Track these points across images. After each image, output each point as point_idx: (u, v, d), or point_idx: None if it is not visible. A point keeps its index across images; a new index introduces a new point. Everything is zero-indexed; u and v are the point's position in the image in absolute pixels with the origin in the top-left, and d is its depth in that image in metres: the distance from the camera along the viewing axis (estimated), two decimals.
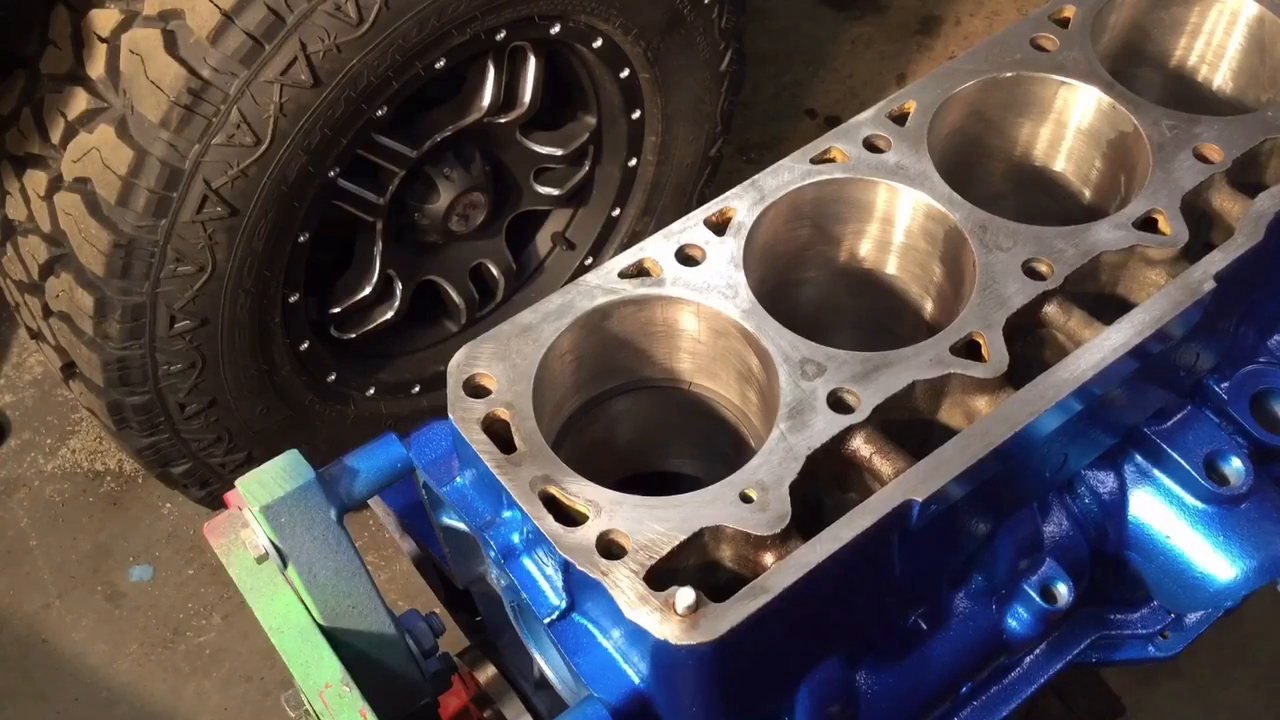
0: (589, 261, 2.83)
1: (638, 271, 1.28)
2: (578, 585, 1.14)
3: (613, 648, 1.17)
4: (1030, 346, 1.26)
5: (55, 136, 2.12)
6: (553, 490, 1.12)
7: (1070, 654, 1.65)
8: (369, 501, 1.38)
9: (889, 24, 3.94)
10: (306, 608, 1.28)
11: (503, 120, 2.49)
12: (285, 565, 1.26)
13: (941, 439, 1.16)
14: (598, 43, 2.43)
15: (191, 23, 1.97)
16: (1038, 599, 1.44)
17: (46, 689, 2.72)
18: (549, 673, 1.32)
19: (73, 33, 2.09)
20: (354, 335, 2.57)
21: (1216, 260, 1.28)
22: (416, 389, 2.70)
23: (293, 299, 2.33)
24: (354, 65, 2.05)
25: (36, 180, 2.17)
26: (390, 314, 2.59)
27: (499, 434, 1.16)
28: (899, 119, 1.41)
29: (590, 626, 1.18)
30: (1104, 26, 1.52)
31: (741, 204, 1.32)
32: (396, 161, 2.34)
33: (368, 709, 1.20)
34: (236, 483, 1.25)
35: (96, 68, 2.06)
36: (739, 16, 2.62)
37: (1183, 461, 1.48)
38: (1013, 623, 1.47)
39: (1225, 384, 1.53)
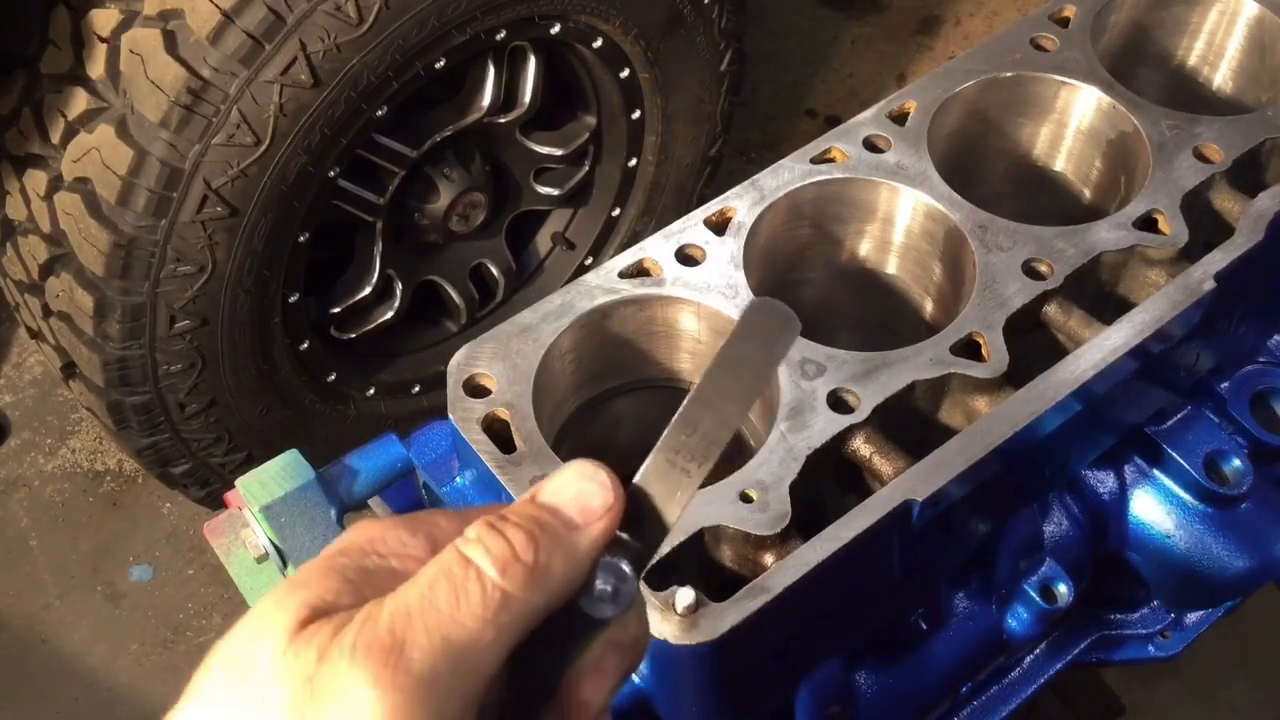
0: (589, 261, 2.83)
1: (638, 271, 1.28)
2: None
3: None
4: (1030, 346, 1.26)
5: (55, 136, 2.12)
6: None
7: (1070, 654, 1.65)
8: (369, 501, 1.38)
9: (889, 24, 3.94)
10: None
11: (503, 120, 2.49)
12: (285, 565, 1.27)
13: (941, 439, 1.16)
14: (598, 43, 2.43)
15: (191, 23, 1.97)
16: (1038, 599, 1.44)
17: (46, 689, 2.72)
18: None
19: (73, 33, 2.08)
20: (354, 335, 2.57)
21: (1216, 260, 1.28)
22: (416, 389, 2.70)
23: (293, 299, 2.33)
24: (354, 65, 2.05)
25: (36, 180, 2.17)
26: (390, 314, 2.59)
27: (499, 434, 1.16)
28: (899, 119, 1.41)
29: None
30: (1104, 26, 1.52)
31: (741, 204, 1.32)
32: (396, 161, 2.34)
33: None
34: (236, 483, 1.25)
35: (96, 68, 2.06)
36: (739, 16, 2.62)
37: (1183, 461, 1.48)
38: (1013, 623, 1.47)
39: (1225, 384, 1.53)
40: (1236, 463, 1.48)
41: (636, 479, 0.70)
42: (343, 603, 0.63)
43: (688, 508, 0.70)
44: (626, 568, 0.68)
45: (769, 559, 1.09)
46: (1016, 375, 1.21)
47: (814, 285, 1.47)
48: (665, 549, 1.03)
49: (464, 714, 0.62)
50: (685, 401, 0.70)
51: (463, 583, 0.63)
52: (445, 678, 0.61)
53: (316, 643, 0.60)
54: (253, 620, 0.63)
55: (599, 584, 0.67)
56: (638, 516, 0.69)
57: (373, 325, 2.59)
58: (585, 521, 0.68)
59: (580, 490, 0.68)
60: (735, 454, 1.18)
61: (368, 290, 2.51)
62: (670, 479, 0.70)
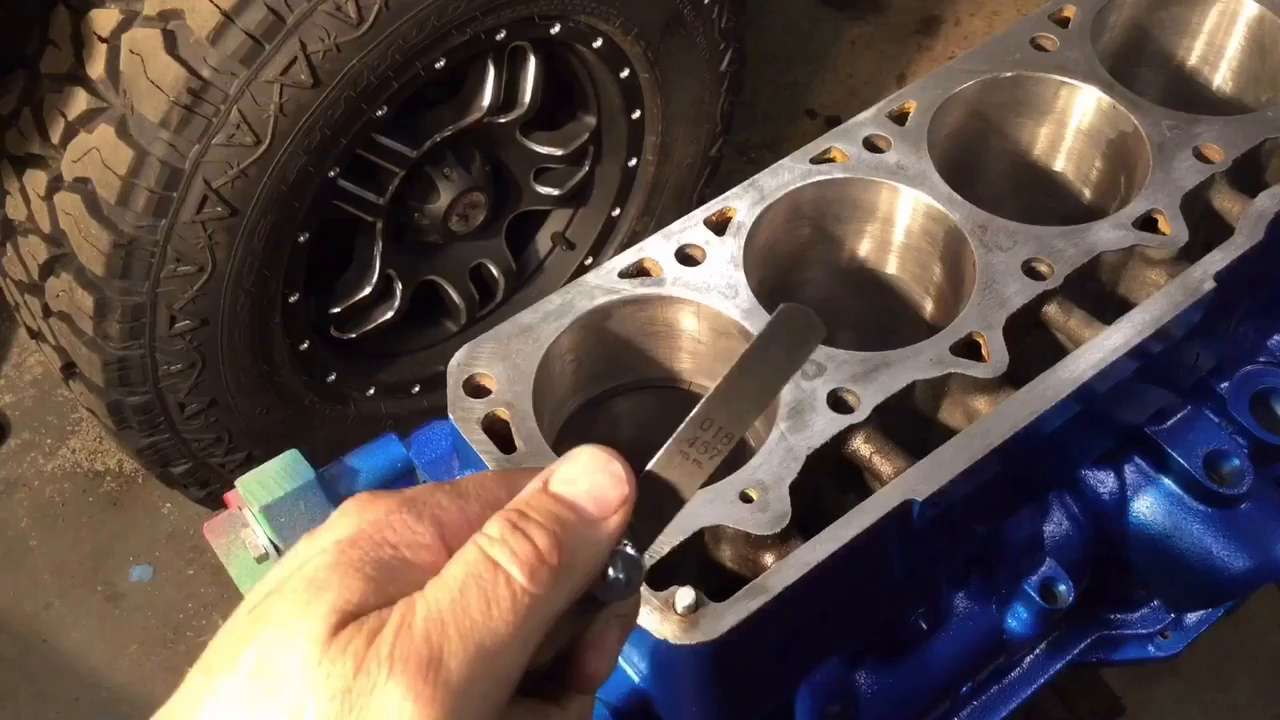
0: (589, 261, 2.83)
1: (638, 271, 1.28)
2: None
3: None
4: (1030, 346, 1.26)
5: (55, 136, 2.12)
6: None
7: (1070, 654, 1.65)
8: None
9: (889, 24, 3.94)
10: None
11: (503, 120, 2.49)
12: None
13: (941, 439, 1.16)
14: (598, 43, 2.43)
15: (191, 23, 1.97)
16: (1038, 599, 1.44)
17: (46, 689, 2.72)
18: None
19: (73, 33, 2.08)
20: (354, 335, 2.57)
21: (1216, 260, 1.28)
22: (416, 389, 2.70)
23: (293, 299, 2.33)
24: (354, 65, 2.05)
25: (36, 180, 2.17)
26: (390, 314, 2.59)
27: (499, 434, 1.16)
28: (899, 119, 1.41)
29: None
30: (1104, 26, 1.52)
31: (741, 204, 1.32)
32: (396, 161, 2.34)
33: None
34: (236, 483, 1.25)
35: (96, 68, 2.06)
36: (739, 16, 2.62)
37: (1183, 461, 1.48)
38: (1013, 623, 1.47)
39: (1225, 384, 1.53)
40: (1236, 463, 1.48)
41: (649, 467, 0.71)
42: (369, 603, 0.62)
43: (692, 500, 0.72)
44: (634, 553, 0.69)
45: (769, 559, 1.09)
46: (1016, 375, 1.21)
47: (814, 285, 1.47)
48: (666, 546, 1.03)
49: (494, 715, 0.62)
50: (705, 396, 0.72)
51: (493, 589, 0.63)
52: (480, 686, 0.61)
53: (352, 652, 0.60)
54: (280, 625, 0.62)
55: (612, 573, 0.69)
56: (645, 503, 0.70)
57: (373, 325, 2.59)
58: (602, 515, 0.68)
59: (595, 483, 0.68)
60: (735, 454, 1.18)
61: (368, 290, 2.51)
62: (681, 470, 0.72)
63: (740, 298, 1.25)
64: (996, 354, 1.21)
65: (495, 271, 2.73)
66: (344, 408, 2.57)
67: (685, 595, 1.03)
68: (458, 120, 2.41)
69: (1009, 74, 1.45)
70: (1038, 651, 1.64)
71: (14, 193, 2.23)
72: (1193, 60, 1.64)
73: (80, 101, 2.08)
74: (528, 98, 2.48)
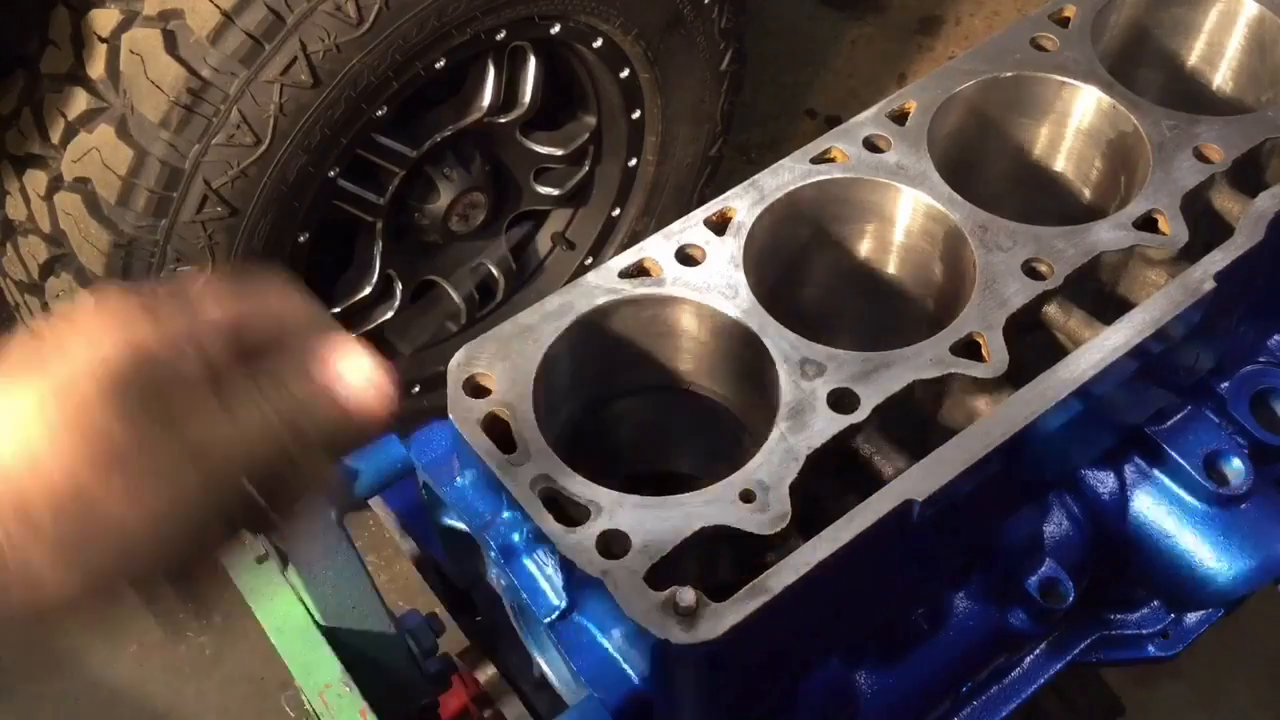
0: (589, 261, 2.83)
1: (638, 271, 1.28)
2: (578, 585, 1.14)
3: (613, 648, 1.17)
4: (1030, 346, 1.26)
5: (55, 136, 2.12)
6: (553, 490, 1.12)
7: (1070, 654, 1.65)
8: (369, 501, 1.38)
9: (889, 24, 3.94)
10: (306, 608, 1.28)
11: (503, 120, 2.49)
12: (285, 566, 1.27)
13: (941, 439, 1.16)
14: (598, 43, 2.43)
15: (191, 23, 1.97)
16: (1038, 599, 1.44)
17: (46, 689, 2.72)
18: (549, 673, 1.32)
19: (73, 33, 2.09)
20: (354, 335, 2.57)
21: (1216, 260, 1.28)
22: (416, 389, 2.70)
23: None
24: (354, 65, 2.05)
25: (36, 180, 2.17)
26: (390, 313, 2.59)
27: (499, 434, 1.16)
28: (899, 119, 1.41)
29: (590, 626, 1.18)
30: (1104, 26, 1.52)
31: (741, 204, 1.32)
32: (396, 161, 2.34)
33: (367, 709, 1.20)
34: None
35: (96, 68, 2.06)
36: (739, 16, 2.62)
37: (1183, 461, 1.48)
38: (1013, 622, 1.47)
39: (1225, 384, 1.53)
40: (1236, 463, 1.48)
41: None
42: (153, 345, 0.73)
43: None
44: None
45: (769, 559, 1.09)
46: (1016, 375, 1.21)
47: (814, 285, 1.47)
48: (667, 546, 1.03)
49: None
50: None
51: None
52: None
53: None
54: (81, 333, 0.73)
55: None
56: None
57: (373, 325, 2.59)
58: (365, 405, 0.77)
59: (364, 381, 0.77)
60: (736, 455, 1.18)
61: (368, 290, 2.51)
62: None
63: (740, 298, 1.25)
64: (996, 354, 1.21)
65: (495, 271, 2.73)
66: None
67: (685, 595, 1.03)
68: (458, 120, 2.41)
69: (1009, 74, 1.45)
70: (1038, 651, 1.63)
71: (14, 193, 2.23)
72: (1193, 60, 1.64)
73: (80, 101, 2.08)
74: (528, 98, 2.48)
